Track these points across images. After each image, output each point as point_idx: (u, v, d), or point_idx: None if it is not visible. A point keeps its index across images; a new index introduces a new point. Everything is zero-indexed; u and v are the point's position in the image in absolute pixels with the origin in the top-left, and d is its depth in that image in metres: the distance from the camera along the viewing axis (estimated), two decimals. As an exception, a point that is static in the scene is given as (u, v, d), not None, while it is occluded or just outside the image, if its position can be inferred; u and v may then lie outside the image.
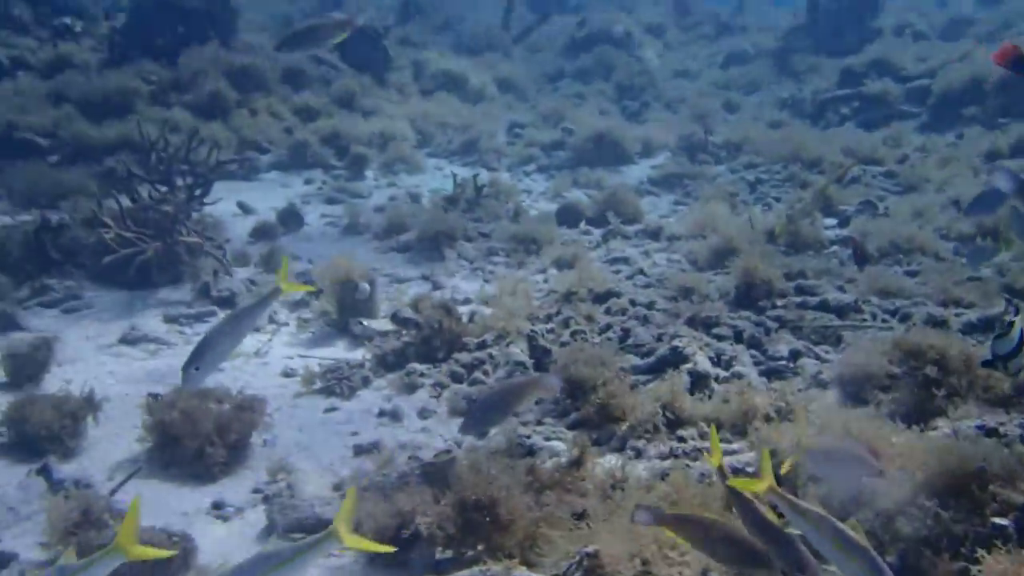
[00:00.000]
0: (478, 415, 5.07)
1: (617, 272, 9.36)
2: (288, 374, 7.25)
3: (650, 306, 7.94)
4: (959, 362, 5.24)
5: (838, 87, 16.51)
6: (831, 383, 6.12)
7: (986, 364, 4.36)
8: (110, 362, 7.35)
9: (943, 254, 9.06)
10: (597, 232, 11.04)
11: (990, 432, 4.72)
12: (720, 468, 3.82)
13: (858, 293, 7.92)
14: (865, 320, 7.35)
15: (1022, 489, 3.86)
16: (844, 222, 10.68)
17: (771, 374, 6.60)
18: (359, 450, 5.95)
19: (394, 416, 6.49)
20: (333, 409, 6.66)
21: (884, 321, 7.30)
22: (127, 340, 7.71)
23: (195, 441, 5.64)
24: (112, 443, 5.97)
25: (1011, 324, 4.12)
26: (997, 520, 3.81)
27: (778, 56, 19.81)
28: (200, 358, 4.42)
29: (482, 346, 7.26)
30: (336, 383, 6.93)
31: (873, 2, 19.52)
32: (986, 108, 14.18)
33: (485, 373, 6.88)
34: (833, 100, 16.15)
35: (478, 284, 9.20)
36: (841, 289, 8.07)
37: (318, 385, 6.95)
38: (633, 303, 8.01)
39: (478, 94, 18.14)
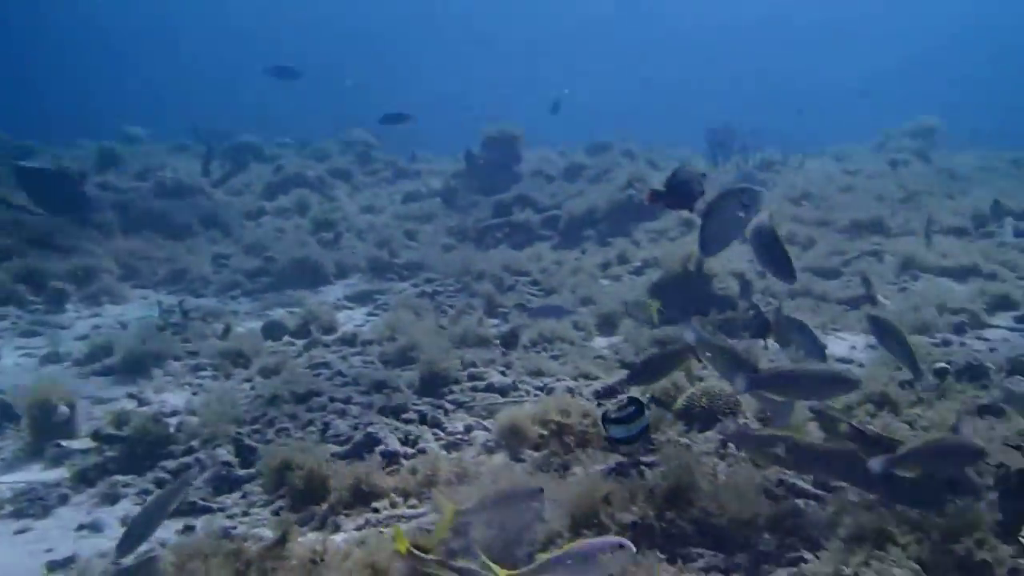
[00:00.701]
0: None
1: (318, 375, 9.18)
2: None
3: (347, 401, 7.87)
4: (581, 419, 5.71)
5: (492, 217, 17.63)
6: (497, 448, 6.37)
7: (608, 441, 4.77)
8: None
9: (577, 341, 9.84)
10: (299, 343, 10.80)
11: (613, 471, 5.14)
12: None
13: (515, 375, 8.38)
14: (521, 396, 7.77)
15: (633, 510, 4.23)
16: (504, 320, 11.29)
17: (450, 447, 6.76)
18: (53, 566, 5.26)
19: (94, 528, 5.82)
20: (25, 530, 5.85)
21: (536, 395, 7.76)
22: None
23: None
24: None
25: (633, 410, 4.52)
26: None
27: (445, 195, 20.87)
28: None
29: (189, 452, 6.77)
30: (28, 504, 6.11)
31: (516, 154, 21.26)
32: (599, 230, 15.84)
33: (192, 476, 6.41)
34: (490, 227, 17.16)
35: (186, 397, 8.60)
36: (503, 373, 8.48)
37: (7, 509, 6.09)
38: (332, 400, 7.90)
39: (184, 230, 17.27)
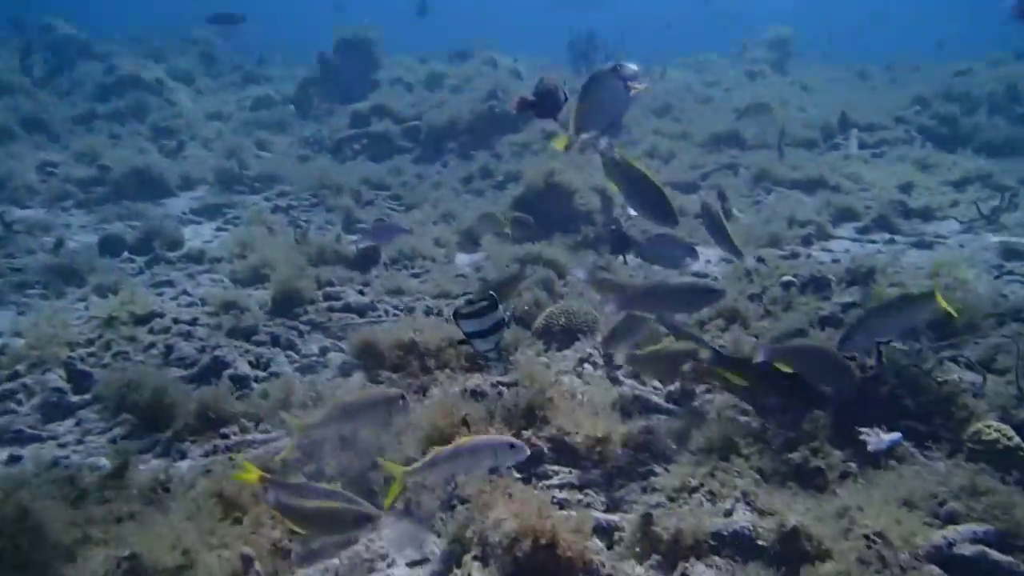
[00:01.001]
0: None
1: (161, 295, 8.63)
2: None
3: (193, 322, 7.43)
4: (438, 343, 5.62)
5: (350, 127, 16.91)
6: (353, 371, 6.20)
7: (461, 343, 4.64)
8: None
9: (439, 259, 9.69)
10: (141, 260, 10.09)
11: (472, 392, 5.10)
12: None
13: (374, 295, 8.16)
14: (380, 316, 7.59)
15: (491, 430, 4.21)
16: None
17: (305, 370, 6.53)
18: None
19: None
20: None
21: (395, 315, 7.60)
22: None
23: None
24: None
25: (485, 305, 4.38)
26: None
27: (298, 102, 19.84)
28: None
29: (14, 376, 6.21)
30: None
31: (373, 59, 20.33)
32: (461, 143, 15.51)
33: (18, 403, 5.90)
34: (347, 139, 16.47)
35: (10, 317, 7.87)
36: (361, 293, 8.24)
37: None
38: (176, 321, 7.44)
39: (2, 134, 15.58)
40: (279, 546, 4.01)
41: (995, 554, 3.44)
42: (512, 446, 3.78)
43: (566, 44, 22.01)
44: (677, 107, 17.83)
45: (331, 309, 7.74)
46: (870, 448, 4.22)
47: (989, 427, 4.27)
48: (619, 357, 5.41)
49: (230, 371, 6.25)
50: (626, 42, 22.86)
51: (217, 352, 6.49)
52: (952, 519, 3.70)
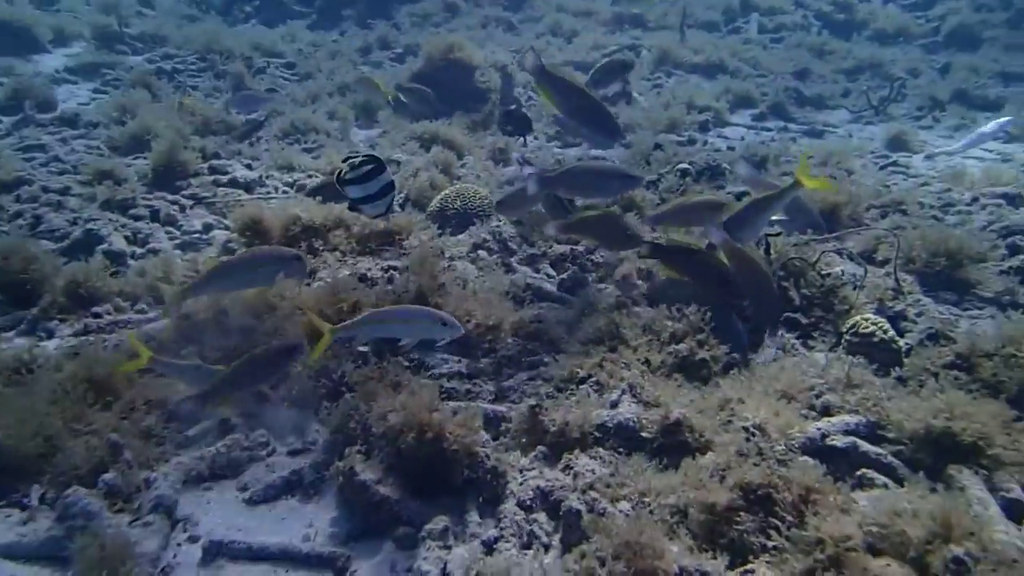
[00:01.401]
0: None
1: (30, 160, 7.88)
2: None
3: (65, 192, 6.84)
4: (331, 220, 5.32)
5: (242, -14, 15.62)
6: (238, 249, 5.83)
7: (352, 208, 4.38)
8: None
9: (333, 132, 9.18)
10: (7, 120, 9.18)
11: (362, 277, 4.87)
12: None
13: (263, 169, 7.68)
14: (269, 192, 7.16)
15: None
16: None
17: (186, 247, 6.12)
18: None
19: None
20: None
21: (285, 192, 7.18)
22: None
23: None
24: None
25: (370, 168, 4.08)
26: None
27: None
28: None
29: None
30: None
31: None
32: (359, 10, 14.56)
33: None
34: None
35: None
36: (249, 167, 7.74)
37: None
38: (46, 190, 6.82)
39: None
40: (152, 433, 3.80)
41: (865, 445, 3.55)
42: (445, 323, 3.73)
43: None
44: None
45: (216, 183, 7.24)
46: (761, 359, 4.27)
47: (867, 320, 4.36)
48: (549, 230, 5.15)
49: (104, 246, 5.79)
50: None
51: (90, 225, 6.01)
52: (827, 411, 3.80)
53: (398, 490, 3.28)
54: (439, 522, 3.16)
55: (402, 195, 6.56)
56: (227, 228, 6.30)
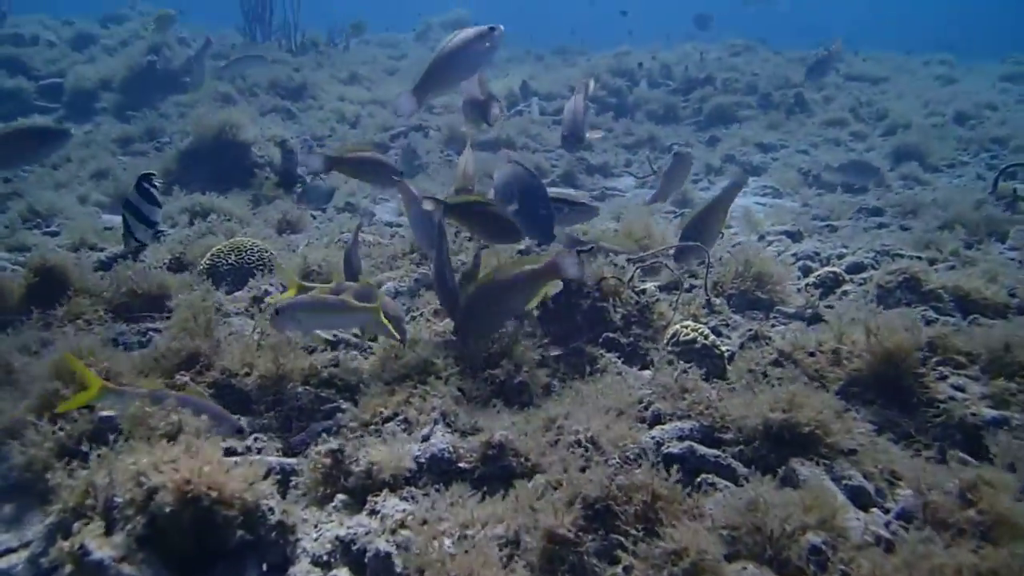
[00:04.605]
0: None
1: None
2: None
3: None
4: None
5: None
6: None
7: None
8: None
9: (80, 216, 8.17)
10: None
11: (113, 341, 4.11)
12: None
13: (-10, 254, 6.62)
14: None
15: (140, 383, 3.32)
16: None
17: None
18: None
19: None
20: None
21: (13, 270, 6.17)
22: None
23: None
24: None
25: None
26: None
27: None
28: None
29: None
30: None
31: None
32: (115, 103, 13.62)
33: None
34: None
35: None
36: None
37: None
38: None
39: None
40: None
41: (702, 449, 3.30)
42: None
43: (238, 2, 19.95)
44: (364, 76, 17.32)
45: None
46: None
47: (686, 327, 4.21)
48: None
49: None
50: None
51: None
52: (658, 420, 3.53)
53: (151, 567, 2.54)
54: (207, 602, 2.46)
55: (168, 257, 5.83)
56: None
